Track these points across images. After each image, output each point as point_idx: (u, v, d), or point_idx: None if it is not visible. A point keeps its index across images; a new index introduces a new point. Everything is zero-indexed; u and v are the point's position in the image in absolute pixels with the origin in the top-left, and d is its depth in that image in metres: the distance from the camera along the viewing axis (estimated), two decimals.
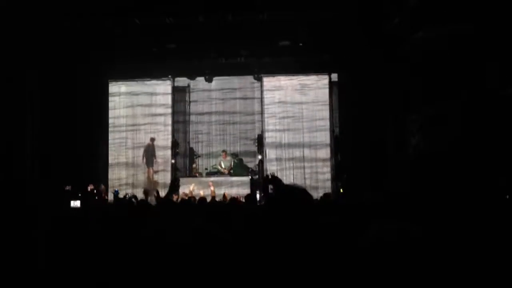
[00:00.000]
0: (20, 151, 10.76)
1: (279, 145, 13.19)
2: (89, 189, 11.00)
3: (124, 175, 13.28)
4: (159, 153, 13.34)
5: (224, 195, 10.84)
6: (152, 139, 13.28)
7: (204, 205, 5.30)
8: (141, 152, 13.36)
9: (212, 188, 10.28)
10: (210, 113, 13.92)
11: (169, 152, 13.32)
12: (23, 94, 10.83)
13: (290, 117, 13.25)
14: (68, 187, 10.56)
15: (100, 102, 13.07)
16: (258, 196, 11.85)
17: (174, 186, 5.60)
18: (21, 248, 2.52)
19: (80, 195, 9.66)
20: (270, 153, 13.16)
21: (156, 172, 13.07)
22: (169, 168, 13.24)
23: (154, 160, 13.19)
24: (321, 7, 9.59)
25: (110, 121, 13.36)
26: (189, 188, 10.85)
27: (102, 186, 11.92)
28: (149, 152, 13.24)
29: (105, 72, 13.03)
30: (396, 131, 9.87)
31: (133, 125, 13.51)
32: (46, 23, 10.01)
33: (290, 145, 13.18)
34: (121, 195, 10.81)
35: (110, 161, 13.22)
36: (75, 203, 8.53)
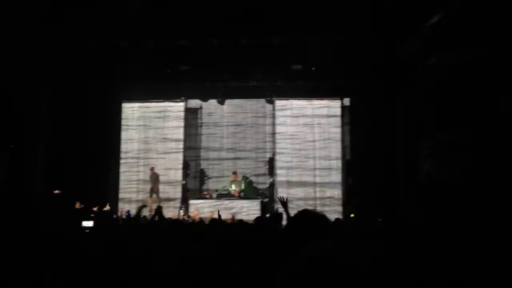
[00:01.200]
0: (32, 167, 10.86)
1: (290, 168, 13.15)
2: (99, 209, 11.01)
3: (135, 195, 13.31)
4: (169, 173, 13.37)
5: (232, 217, 10.82)
6: (152, 168, 13.29)
7: (215, 229, 5.27)
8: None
9: (196, 213, 10.70)
10: (221, 135, 13.95)
11: (180, 173, 13.35)
12: (37, 113, 10.98)
13: (302, 140, 13.25)
14: (78, 205, 10.59)
15: (113, 122, 13.20)
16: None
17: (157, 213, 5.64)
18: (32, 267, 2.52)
19: (92, 215, 9.68)
20: (281, 176, 13.12)
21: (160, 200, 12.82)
22: (179, 189, 13.26)
23: (156, 190, 13.12)
24: (334, 32, 9.66)
25: (122, 140, 13.48)
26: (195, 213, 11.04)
27: (108, 207, 11.87)
28: (153, 182, 13.21)
29: (119, 92, 13.19)
30: (408, 157, 9.80)
31: (145, 145, 13.60)
32: (62, 43, 10.19)
33: (301, 169, 13.14)
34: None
35: (120, 181, 13.27)
36: (87, 223, 8.56)
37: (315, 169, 13.11)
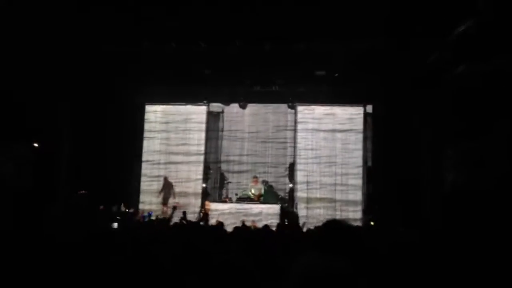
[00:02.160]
0: (56, 167, 11.02)
1: (310, 174, 13.10)
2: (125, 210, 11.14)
3: (155, 197, 13.41)
4: (190, 176, 13.44)
5: (253, 223, 10.82)
6: (166, 178, 13.33)
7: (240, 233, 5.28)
8: (173, 173, 13.49)
9: (208, 206, 10.51)
10: (242, 139, 13.97)
11: (200, 176, 13.41)
12: (62, 115, 11.15)
13: (323, 146, 13.19)
14: (101, 207, 10.71)
15: (136, 124, 13.34)
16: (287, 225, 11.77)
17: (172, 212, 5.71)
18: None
19: (118, 217, 9.79)
20: (301, 181, 13.08)
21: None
22: (199, 192, 13.32)
23: (172, 200, 13.11)
24: (359, 38, 9.60)
25: (145, 142, 13.62)
26: (207, 206, 11.03)
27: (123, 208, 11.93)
28: (167, 190, 13.26)
29: (143, 95, 13.33)
30: (431, 166, 9.66)
31: (167, 147, 13.72)
32: (85, 46, 10.33)
33: (321, 175, 13.07)
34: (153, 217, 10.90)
35: (142, 184, 13.39)
36: (114, 225, 8.69)
37: (335, 174, 13.03)
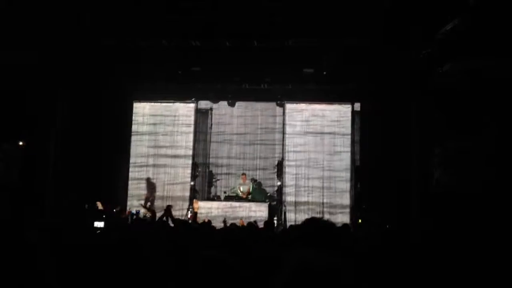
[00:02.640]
0: (43, 165, 10.92)
1: (298, 172, 13.13)
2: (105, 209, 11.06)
3: (143, 196, 13.35)
4: (178, 173, 13.40)
5: (241, 221, 10.82)
6: (148, 179, 13.27)
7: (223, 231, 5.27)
8: (160, 173, 13.45)
9: (196, 205, 10.49)
10: (231, 137, 13.96)
11: (188, 174, 13.36)
12: (51, 111, 11.04)
13: (311, 144, 13.22)
14: (86, 206, 10.64)
15: (124, 122, 13.25)
16: (275, 222, 11.81)
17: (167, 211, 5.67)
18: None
19: (104, 216, 9.74)
20: (289, 179, 13.10)
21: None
22: (188, 190, 13.27)
23: (152, 199, 13.10)
24: (347, 36, 9.61)
25: (133, 140, 13.53)
26: (195, 204, 11.00)
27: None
28: (149, 192, 13.21)
29: (131, 93, 13.24)
30: (419, 164, 9.72)
31: (155, 145, 13.65)
32: (76, 43, 10.24)
33: (309, 173, 13.11)
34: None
35: (130, 182, 13.31)
36: (99, 224, 8.64)
37: (323, 173, 13.07)
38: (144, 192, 13.39)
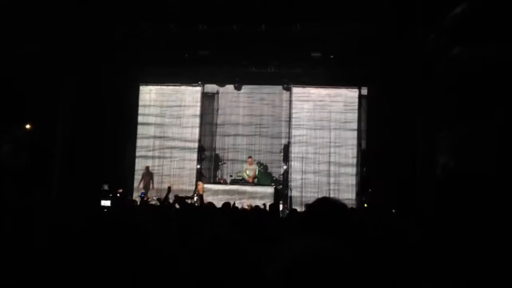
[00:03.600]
0: (50, 149, 11.01)
1: (305, 156, 13.14)
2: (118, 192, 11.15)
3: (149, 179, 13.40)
4: (185, 155, 13.43)
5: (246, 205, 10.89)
6: (147, 167, 13.25)
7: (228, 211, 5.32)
8: (167, 156, 13.50)
9: (200, 186, 10.71)
10: (237, 121, 13.96)
11: (195, 157, 13.41)
12: (56, 97, 11.09)
13: (318, 128, 13.21)
14: (105, 187, 10.74)
15: (130, 105, 13.27)
16: (281, 206, 11.86)
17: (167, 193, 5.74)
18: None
19: (111, 195, 9.86)
20: (296, 163, 13.12)
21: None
22: (194, 173, 13.33)
23: (151, 188, 12.98)
24: (355, 20, 9.54)
25: (139, 123, 13.57)
26: (199, 185, 11.04)
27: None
28: (147, 180, 13.10)
29: (137, 76, 13.24)
30: (425, 148, 9.70)
31: (161, 128, 13.69)
32: (81, 26, 10.22)
33: (316, 157, 13.12)
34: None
35: (136, 166, 13.37)
36: (105, 202, 8.78)
37: (330, 157, 13.08)
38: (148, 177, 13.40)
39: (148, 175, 13.19)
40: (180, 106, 13.70)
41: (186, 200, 7.83)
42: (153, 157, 13.58)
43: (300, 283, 1.23)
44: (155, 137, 13.68)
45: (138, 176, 13.36)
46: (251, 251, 1.78)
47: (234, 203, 8.73)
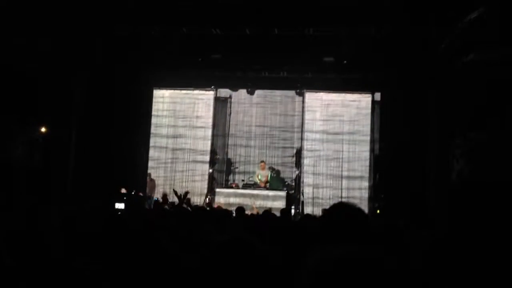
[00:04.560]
0: (63, 152, 11.12)
1: (317, 161, 13.09)
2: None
3: (162, 184, 13.43)
4: (197, 158, 13.44)
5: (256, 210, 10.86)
6: (149, 174, 13.14)
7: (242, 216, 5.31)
8: (179, 160, 13.54)
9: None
10: (250, 125, 13.96)
11: (207, 161, 13.43)
12: (70, 100, 11.21)
13: (330, 133, 13.15)
14: (123, 190, 10.79)
15: (144, 108, 13.33)
16: (293, 211, 11.82)
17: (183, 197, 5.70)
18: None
19: (125, 198, 9.92)
20: (308, 168, 13.07)
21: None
22: (206, 177, 13.35)
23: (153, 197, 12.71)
24: (368, 24, 9.51)
25: (152, 127, 13.62)
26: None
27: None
28: (149, 188, 12.94)
29: (151, 79, 13.30)
30: (438, 155, 9.62)
31: (174, 133, 13.74)
32: (96, 30, 10.32)
33: (328, 162, 13.06)
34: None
35: (149, 169, 13.40)
36: (119, 205, 8.84)
37: (342, 162, 13.01)
38: (161, 179, 13.43)
39: (151, 181, 13.13)
40: (193, 109, 13.74)
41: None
42: (165, 161, 13.61)
43: None
44: (167, 140, 13.72)
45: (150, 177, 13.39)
46: (275, 263, 1.74)
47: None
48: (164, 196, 11.38)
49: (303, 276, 1.19)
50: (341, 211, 2.01)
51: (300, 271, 1.22)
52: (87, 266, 2.24)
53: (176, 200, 7.61)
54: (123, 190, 11.09)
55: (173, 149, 13.68)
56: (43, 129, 10.98)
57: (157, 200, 11.53)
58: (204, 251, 1.66)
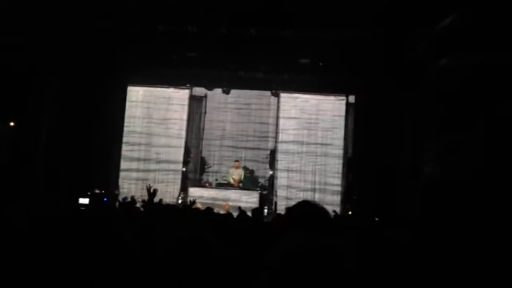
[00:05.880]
0: (32, 151, 10.89)
1: (291, 162, 13.14)
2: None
3: (134, 181, 13.27)
4: (170, 157, 13.30)
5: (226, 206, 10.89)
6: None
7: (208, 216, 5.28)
8: (152, 157, 13.39)
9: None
10: (224, 125, 13.94)
11: (181, 160, 13.32)
12: (42, 96, 10.98)
13: (304, 134, 13.23)
14: (98, 191, 10.62)
15: (118, 105, 13.15)
16: (265, 211, 11.84)
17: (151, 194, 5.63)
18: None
19: (89, 193, 9.77)
20: (281, 169, 13.11)
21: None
22: (179, 176, 13.24)
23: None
24: (345, 28, 9.60)
25: (125, 124, 13.44)
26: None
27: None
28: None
29: (125, 76, 13.14)
30: (410, 157, 9.77)
31: (148, 130, 13.58)
32: (70, 25, 10.14)
33: (301, 163, 13.13)
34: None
35: (121, 167, 13.23)
36: (83, 200, 8.73)
37: (316, 164, 13.10)
38: (134, 177, 13.24)
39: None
40: (167, 107, 13.62)
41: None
42: (138, 159, 13.45)
43: (292, 273, 1.23)
44: (141, 137, 13.56)
45: (122, 178, 13.18)
46: (230, 256, 1.76)
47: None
48: (132, 197, 11.22)
49: (263, 272, 1.28)
50: (302, 208, 2.05)
51: (261, 269, 1.30)
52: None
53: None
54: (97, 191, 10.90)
55: (146, 147, 13.52)
56: (11, 124, 10.72)
57: (125, 198, 11.37)
58: (163, 246, 1.66)
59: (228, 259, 1.72)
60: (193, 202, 5.97)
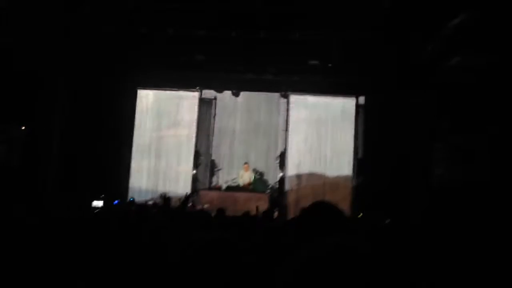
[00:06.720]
0: (46, 155, 10.97)
1: (301, 164, 13.09)
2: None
3: (144, 184, 13.31)
4: (180, 162, 13.34)
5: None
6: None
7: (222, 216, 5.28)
8: (162, 161, 13.41)
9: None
10: (234, 127, 13.93)
11: (191, 163, 13.33)
12: (53, 99, 11.06)
13: (314, 136, 13.18)
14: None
15: (128, 109, 13.20)
16: (275, 213, 11.80)
17: (186, 199, 5.61)
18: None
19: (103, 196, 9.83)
20: (291, 171, 13.07)
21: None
22: (189, 179, 13.25)
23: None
24: (355, 29, 9.57)
25: (135, 127, 13.48)
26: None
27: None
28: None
29: (135, 80, 13.19)
30: (420, 159, 9.70)
31: (158, 133, 13.61)
32: (81, 29, 10.21)
33: (312, 165, 13.08)
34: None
35: (131, 169, 13.27)
36: (97, 203, 8.78)
37: (326, 166, 13.04)
38: (144, 180, 13.29)
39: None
40: (177, 110, 13.64)
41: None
42: (149, 163, 13.46)
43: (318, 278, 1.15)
44: (151, 141, 13.59)
45: (133, 179, 13.22)
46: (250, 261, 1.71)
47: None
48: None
49: (283, 275, 1.19)
50: (318, 209, 2.02)
51: (279, 270, 1.22)
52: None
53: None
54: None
55: (156, 150, 13.55)
56: (23, 128, 10.82)
57: (133, 200, 11.40)
58: (186, 249, 1.62)
59: (257, 265, 1.66)
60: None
